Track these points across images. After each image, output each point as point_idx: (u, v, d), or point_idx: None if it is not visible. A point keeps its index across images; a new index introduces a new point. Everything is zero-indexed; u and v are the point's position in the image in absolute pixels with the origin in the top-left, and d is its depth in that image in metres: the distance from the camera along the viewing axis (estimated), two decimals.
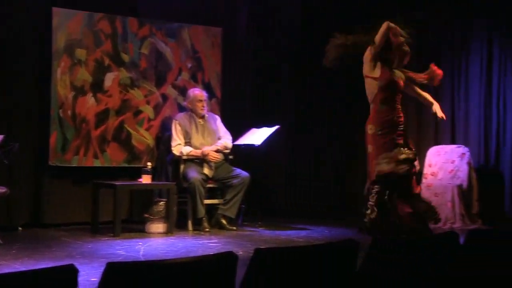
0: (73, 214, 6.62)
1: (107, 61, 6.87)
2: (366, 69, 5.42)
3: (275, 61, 7.89)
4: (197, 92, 6.71)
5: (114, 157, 6.87)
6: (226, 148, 6.65)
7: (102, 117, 6.83)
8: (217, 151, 6.53)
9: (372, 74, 5.40)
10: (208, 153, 6.44)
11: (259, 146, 6.74)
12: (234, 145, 6.77)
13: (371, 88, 5.45)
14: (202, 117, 6.68)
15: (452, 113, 7.26)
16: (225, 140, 6.68)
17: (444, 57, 7.34)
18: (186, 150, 6.51)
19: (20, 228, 6.12)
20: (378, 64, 5.35)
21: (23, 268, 4.19)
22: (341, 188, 8.11)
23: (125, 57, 6.97)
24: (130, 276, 2.07)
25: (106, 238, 5.67)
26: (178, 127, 6.59)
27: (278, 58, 7.90)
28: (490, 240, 2.97)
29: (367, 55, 5.39)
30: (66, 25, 6.65)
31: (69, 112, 6.66)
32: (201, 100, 6.63)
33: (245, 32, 7.71)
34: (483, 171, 6.93)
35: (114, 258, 4.73)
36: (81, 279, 2.02)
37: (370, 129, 5.41)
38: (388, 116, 5.36)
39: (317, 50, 8.03)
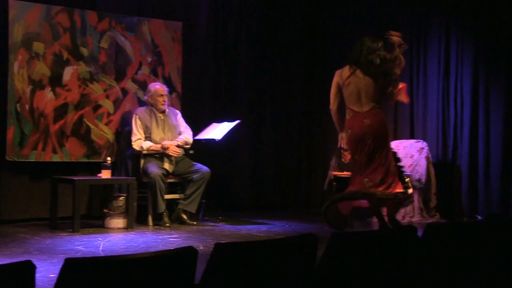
0: (31, 209, 6.52)
1: (65, 55, 6.77)
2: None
3: (235, 55, 7.89)
4: (158, 87, 6.66)
5: (73, 152, 6.78)
6: (186, 143, 6.63)
7: (61, 111, 6.73)
8: (178, 146, 6.50)
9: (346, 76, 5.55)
10: (168, 147, 6.41)
11: (220, 140, 6.73)
12: (194, 140, 6.75)
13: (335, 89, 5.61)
14: (163, 112, 6.64)
15: (411, 108, 7.37)
16: (186, 135, 6.66)
17: (405, 53, 7.43)
18: (146, 144, 6.46)
19: None
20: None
21: None
22: (302, 182, 8.17)
23: (84, 51, 6.88)
24: (89, 272, 2.05)
25: (65, 234, 5.60)
26: (138, 122, 6.54)
27: (238, 52, 7.89)
28: (448, 233, 3.02)
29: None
30: (23, 17, 6.53)
31: (27, 107, 6.54)
32: (162, 95, 6.59)
33: (206, 27, 7.67)
34: (441, 166, 7.05)
35: (73, 254, 4.67)
36: (39, 275, 1.99)
37: (347, 132, 5.57)
38: (355, 109, 5.51)
39: (278, 43, 8.09)
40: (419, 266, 2.84)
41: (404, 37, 6.71)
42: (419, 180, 6.81)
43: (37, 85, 6.61)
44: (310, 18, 8.22)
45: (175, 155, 6.45)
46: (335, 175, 7.43)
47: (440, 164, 7.06)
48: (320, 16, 8.12)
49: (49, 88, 6.67)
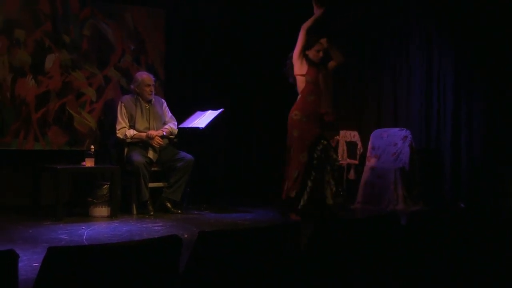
0: (13, 198, 6.48)
1: (47, 42, 6.70)
2: (296, 68, 5.87)
3: (219, 42, 7.85)
4: (145, 76, 6.59)
5: (56, 140, 6.74)
6: (171, 133, 6.60)
7: (43, 99, 6.67)
8: (163, 136, 6.47)
9: (301, 72, 5.85)
10: (153, 137, 6.38)
11: (203, 129, 6.71)
12: (179, 128, 6.72)
13: (300, 83, 5.88)
14: (149, 101, 6.59)
15: (394, 96, 7.39)
16: (171, 125, 6.63)
17: (386, 42, 7.45)
18: (130, 133, 6.43)
19: None
20: (304, 62, 5.84)
21: None
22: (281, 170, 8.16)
23: (66, 38, 6.82)
24: (72, 261, 2.04)
25: (48, 223, 5.56)
26: (124, 110, 6.49)
27: (221, 38, 7.86)
28: (431, 221, 3.04)
29: (295, 56, 5.86)
30: (4, 4, 6.45)
31: (8, 94, 6.48)
32: (149, 85, 6.54)
33: (188, 14, 7.63)
34: (425, 154, 7.08)
35: (56, 243, 4.64)
36: (22, 264, 1.98)
37: (295, 115, 5.80)
38: (312, 106, 5.78)
39: (264, 29, 8.06)
40: (403, 254, 2.86)
41: (386, 23, 6.80)
42: (402, 168, 6.84)
43: (18, 72, 6.54)
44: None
45: (158, 145, 6.43)
46: None
47: (424, 152, 7.09)
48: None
49: (31, 76, 6.60)
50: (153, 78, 6.65)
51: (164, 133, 6.49)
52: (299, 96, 5.88)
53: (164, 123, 6.66)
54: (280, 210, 6.03)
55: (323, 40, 5.84)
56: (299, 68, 5.84)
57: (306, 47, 5.81)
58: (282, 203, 5.88)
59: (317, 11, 5.76)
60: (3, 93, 6.45)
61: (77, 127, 6.86)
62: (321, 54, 5.87)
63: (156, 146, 6.41)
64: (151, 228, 5.41)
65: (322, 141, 5.78)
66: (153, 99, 6.62)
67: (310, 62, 5.86)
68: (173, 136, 6.65)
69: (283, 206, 5.88)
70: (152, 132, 6.41)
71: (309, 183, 5.69)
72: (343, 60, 5.96)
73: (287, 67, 5.96)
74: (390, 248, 2.83)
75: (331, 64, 5.94)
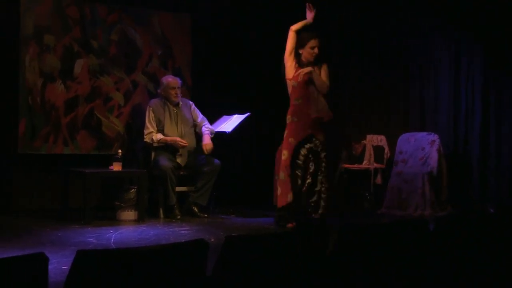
0: (43, 201, 6.57)
1: (76, 48, 6.79)
2: (286, 71, 5.76)
3: (246, 47, 7.87)
4: (170, 80, 6.63)
5: (84, 144, 6.81)
6: (212, 132, 6.65)
7: (71, 104, 6.75)
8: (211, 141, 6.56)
9: (287, 76, 5.74)
10: (181, 145, 6.41)
11: (230, 133, 6.73)
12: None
13: (288, 87, 5.78)
14: (176, 104, 6.62)
15: (421, 100, 7.33)
16: (208, 125, 6.65)
17: (413, 45, 7.40)
18: (157, 137, 6.46)
19: None
20: (293, 65, 5.70)
21: None
22: None
23: (94, 44, 6.89)
24: (101, 264, 2.06)
25: (77, 226, 5.62)
26: (152, 114, 6.53)
27: (248, 44, 7.87)
28: (459, 226, 3.01)
29: (284, 58, 5.74)
30: (34, 10, 6.55)
31: (38, 99, 6.57)
32: (174, 88, 6.57)
33: (216, 19, 7.66)
34: (453, 158, 7.01)
35: (84, 246, 4.69)
36: (51, 267, 2.00)
37: (288, 119, 5.73)
38: (299, 108, 5.66)
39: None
40: (431, 259, 2.84)
41: (412, 26, 6.72)
42: (430, 173, 6.79)
43: (48, 77, 6.63)
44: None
45: (182, 148, 6.44)
46: (345, 167, 7.42)
47: (452, 156, 7.02)
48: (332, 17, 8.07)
49: (60, 81, 6.69)
50: (180, 81, 6.67)
51: (211, 136, 6.56)
52: (290, 101, 5.74)
53: (195, 125, 6.67)
54: (276, 219, 5.71)
55: (315, 41, 5.63)
56: (287, 71, 5.70)
57: (298, 46, 5.64)
58: (278, 211, 5.63)
59: (309, 15, 5.65)
60: (34, 98, 6.55)
61: (105, 132, 6.93)
62: (316, 51, 5.65)
63: (181, 148, 6.44)
64: (178, 232, 5.43)
65: (314, 140, 5.62)
66: (181, 102, 6.65)
67: (300, 64, 5.66)
68: (213, 135, 6.67)
69: (280, 214, 5.62)
70: (181, 143, 6.42)
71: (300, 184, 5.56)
72: (327, 89, 5.66)
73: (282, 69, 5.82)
74: (418, 253, 2.80)
75: (325, 69, 5.71)
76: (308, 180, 5.62)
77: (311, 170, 5.62)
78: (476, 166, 6.86)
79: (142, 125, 6.57)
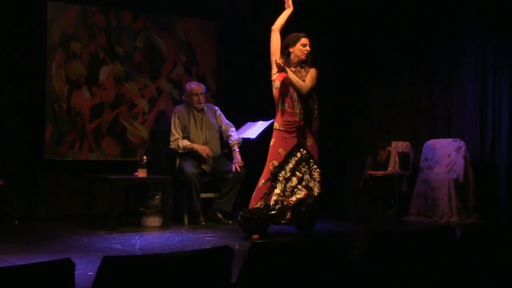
0: (68, 207, 6.62)
1: (101, 55, 6.85)
2: (273, 73, 5.50)
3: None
4: (194, 86, 6.65)
5: (109, 150, 6.86)
6: (240, 142, 6.61)
7: (97, 110, 6.81)
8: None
9: (272, 78, 5.49)
10: (206, 155, 6.42)
11: (254, 139, 6.73)
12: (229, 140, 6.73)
13: (274, 90, 5.51)
14: (201, 110, 6.63)
15: (447, 106, 7.26)
16: (234, 136, 6.59)
17: (439, 52, 7.34)
18: (183, 143, 6.48)
19: (16, 222, 6.10)
20: (275, 67, 5.40)
21: (20, 262, 4.18)
22: (335, 180, 8.10)
23: (120, 51, 6.95)
24: (126, 270, 2.07)
25: (102, 232, 5.66)
26: (177, 121, 6.55)
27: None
28: (486, 234, 2.97)
29: (271, 61, 5.48)
30: (60, 18, 6.63)
31: (64, 106, 6.64)
32: (197, 94, 6.58)
33: (241, 26, 7.67)
34: (479, 165, 6.93)
35: (110, 252, 4.72)
36: (77, 273, 2.01)
37: (275, 126, 5.48)
38: (288, 115, 5.38)
39: (315, 42, 8.03)
40: (458, 267, 2.80)
41: (438, 33, 6.61)
42: (456, 180, 6.72)
43: (74, 84, 6.69)
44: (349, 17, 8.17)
45: (207, 157, 6.44)
46: (370, 174, 7.38)
47: (478, 163, 6.94)
48: (357, 21, 8.04)
49: (86, 88, 6.75)
50: (203, 88, 6.69)
51: (239, 145, 6.53)
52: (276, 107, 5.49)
53: (220, 131, 6.67)
54: (243, 224, 5.38)
55: (306, 39, 5.43)
56: (272, 72, 5.45)
57: (288, 45, 5.40)
58: (244, 217, 5.32)
59: (286, 11, 5.43)
60: (60, 104, 6.61)
61: (130, 138, 6.97)
62: (308, 48, 5.43)
63: (205, 157, 6.44)
64: (202, 238, 5.43)
65: (302, 150, 5.36)
66: (205, 108, 6.66)
67: (288, 64, 5.35)
68: (240, 144, 6.65)
69: (245, 221, 5.31)
70: (205, 153, 6.42)
71: (275, 195, 5.25)
72: (306, 90, 5.33)
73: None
74: (445, 261, 2.77)
75: (313, 73, 5.44)
76: (298, 190, 5.33)
77: (305, 178, 5.35)
78: (504, 173, 6.76)
79: (167, 132, 6.60)
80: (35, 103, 6.56)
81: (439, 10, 7.31)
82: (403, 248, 2.70)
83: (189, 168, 6.31)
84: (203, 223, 6.20)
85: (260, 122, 6.88)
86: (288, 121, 5.36)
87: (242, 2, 7.64)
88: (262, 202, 5.27)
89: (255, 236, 5.30)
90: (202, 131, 6.58)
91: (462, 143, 6.90)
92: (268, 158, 5.42)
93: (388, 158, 7.40)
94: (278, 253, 2.42)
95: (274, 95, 5.49)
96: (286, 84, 5.37)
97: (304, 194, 5.32)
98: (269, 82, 7.21)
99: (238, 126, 6.96)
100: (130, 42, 7.01)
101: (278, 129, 5.41)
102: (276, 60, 5.33)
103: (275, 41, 5.45)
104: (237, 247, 4.74)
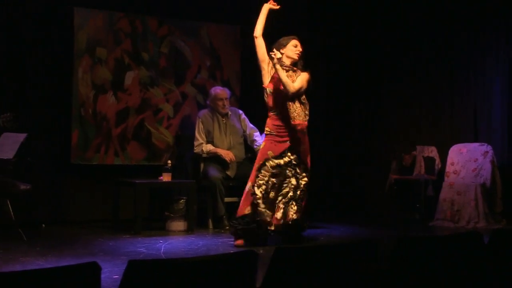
0: (94, 211, 6.68)
1: (127, 60, 6.90)
2: (263, 81, 5.45)
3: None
4: (218, 91, 6.66)
5: (135, 155, 6.90)
6: None
7: (122, 115, 6.86)
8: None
9: (264, 84, 5.43)
10: (229, 160, 6.42)
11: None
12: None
13: (266, 96, 5.45)
14: (225, 115, 6.64)
15: (474, 110, 7.19)
16: (258, 140, 6.57)
17: (465, 53, 7.27)
18: (207, 148, 6.50)
19: (43, 225, 6.16)
20: (267, 71, 5.38)
21: (47, 265, 4.23)
22: (359, 185, 8.06)
23: (145, 56, 7.00)
24: (151, 274, 2.07)
25: (127, 236, 5.69)
26: (201, 126, 6.57)
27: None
28: None
29: (260, 68, 5.42)
30: (87, 24, 6.69)
31: (90, 111, 6.70)
32: (221, 99, 6.59)
33: (264, 30, 7.66)
34: (507, 169, 6.85)
35: (135, 256, 4.74)
36: (103, 276, 2.03)
37: (265, 131, 5.43)
38: (279, 120, 5.32)
39: (339, 46, 8.02)
40: (485, 274, 2.76)
41: (467, 35, 6.51)
42: (483, 184, 6.64)
43: (99, 89, 6.75)
44: (368, 21, 8.13)
45: (230, 162, 6.44)
46: (395, 179, 7.33)
47: (506, 168, 6.85)
48: (382, 23, 8.01)
49: (111, 93, 6.81)
50: (228, 92, 6.70)
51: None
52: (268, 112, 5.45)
53: (244, 135, 6.67)
54: (230, 230, 5.40)
55: (296, 40, 5.36)
56: (263, 79, 5.40)
57: (279, 48, 5.31)
58: (234, 220, 5.32)
59: (264, 9, 5.36)
60: (86, 109, 6.68)
61: (155, 143, 7.01)
62: (299, 48, 5.35)
63: (229, 162, 6.45)
64: (227, 243, 5.43)
65: (289, 154, 5.28)
66: (229, 112, 6.67)
67: (275, 63, 5.24)
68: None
69: (235, 225, 5.28)
70: (228, 158, 6.43)
71: (259, 200, 5.19)
72: (292, 90, 5.23)
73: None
74: (472, 268, 2.74)
75: (306, 76, 5.35)
76: (283, 193, 5.25)
77: (291, 184, 5.25)
78: None
79: (191, 136, 6.62)
80: (62, 108, 6.63)
81: (463, 9, 7.24)
82: (429, 253, 2.67)
83: (214, 172, 6.33)
84: (227, 228, 6.20)
85: None
86: (279, 125, 5.30)
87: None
88: (250, 210, 5.20)
89: (239, 242, 5.23)
90: (226, 136, 6.59)
91: (489, 147, 6.83)
92: (256, 160, 5.37)
93: (413, 162, 7.35)
94: (303, 258, 2.41)
95: (266, 102, 5.42)
96: (278, 88, 5.29)
97: (289, 196, 5.24)
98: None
99: (262, 131, 6.95)
100: (155, 48, 7.05)
101: (270, 133, 5.35)
102: (270, 53, 5.26)
103: (261, 48, 5.37)
104: (261, 251, 4.73)
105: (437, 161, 7.25)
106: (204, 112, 6.66)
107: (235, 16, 7.52)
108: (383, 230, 6.34)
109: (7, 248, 4.94)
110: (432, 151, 7.32)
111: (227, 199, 6.40)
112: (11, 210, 5.37)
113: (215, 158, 6.49)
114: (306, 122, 5.37)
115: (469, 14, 7.21)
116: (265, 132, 5.44)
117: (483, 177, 6.72)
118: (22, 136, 5.36)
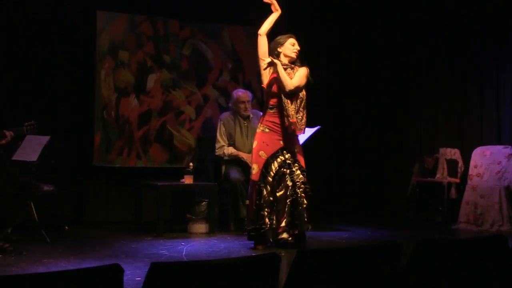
0: (116, 213, 6.72)
1: (149, 63, 6.94)
2: (262, 80, 5.41)
3: (315, 63, 7.84)
4: (240, 94, 6.65)
5: (157, 157, 6.94)
6: None
7: (144, 118, 6.89)
8: None
9: (263, 83, 5.40)
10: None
11: (301, 145, 6.69)
12: None
13: (265, 96, 5.45)
14: (247, 117, 6.63)
15: (497, 113, 7.12)
16: None
17: (487, 56, 7.20)
18: (228, 151, 6.50)
19: (66, 227, 6.21)
20: (266, 73, 5.34)
21: (70, 267, 4.26)
22: (382, 187, 8.02)
23: (167, 59, 7.03)
24: (174, 276, 2.08)
25: (149, 238, 5.71)
26: (222, 128, 6.57)
27: (318, 59, 7.85)
28: None
29: (260, 67, 5.38)
30: (109, 27, 6.74)
31: (113, 113, 6.74)
32: (243, 102, 6.58)
33: (285, 32, 7.65)
34: None
35: (157, 258, 4.76)
36: (125, 278, 2.04)
37: (258, 128, 5.38)
38: (274, 118, 5.29)
39: (355, 49, 7.98)
40: (509, 277, 2.73)
41: (489, 38, 6.44)
42: (507, 187, 6.57)
43: (122, 92, 6.80)
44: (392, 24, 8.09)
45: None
46: (418, 181, 7.28)
47: None
48: (405, 25, 7.95)
49: (134, 95, 6.85)
50: (250, 95, 6.69)
51: None
52: (264, 110, 5.43)
53: None
54: (248, 237, 5.30)
55: (293, 39, 5.36)
56: (263, 78, 5.35)
57: (277, 46, 5.32)
58: (249, 231, 5.25)
59: (274, 14, 5.39)
60: (109, 112, 6.72)
61: (177, 145, 7.04)
62: (297, 47, 5.31)
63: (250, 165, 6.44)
64: (248, 245, 5.42)
65: (285, 153, 5.23)
66: (251, 115, 6.66)
67: (274, 61, 5.21)
68: None
69: (250, 235, 5.23)
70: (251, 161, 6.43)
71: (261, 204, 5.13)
72: (289, 87, 5.17)
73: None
74: (496, 271, 2.71)
75: (304, 73, 5.31)
76: (281, 193, 5.20)
77: (287, 184, 5.19)
78: None
79: (213, 139, 6.63)
80: (85, 110, 6.68)
81: (489, 11, 7.17)
82: (452, 256, 2.65)
83: (235, 175, 6.33)
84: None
85: (307, 129, 6.83)
86: (274, 122, 5.26)
87: (286, 8, 7.62)
88: (256, 214, 5.16)
89: (260, 247, 5.19)
90: (248, 139, 6.58)
91: None
92: (252, 162, 5.35)
93: (435, 165, 7.29)
94: (325, 261, 2.40)
95: (264, 100, 5.44)
96: (277, 87, 5.26)
97: (288, 195, 5.19)
98: (314, 88, 7.17)
99: None
100: (177, 50, 7.08)
101: (262, 131, 5.30)
102: (270, 58, 5.24)
103: (262, 46, 5.38)
104: (283, 254, 4.72)
105: (460, 163, 7.18)
106: (225, 115, 6.66)
107: (257, 19, 7.51)
108: (405, 233, 6.29)
109: (30, 249, 4.98)
110: (455, 154, 7.26)
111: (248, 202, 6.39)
112: (34, 212, 5.42)
113: (236, 161, 6.49)
114: (300, 125, 5.31)
115: (495, 14, 7.13)
116: (258, 130, 5.37)
117: (507, 179, 6.65)
118: (45, 139, 5.41)
